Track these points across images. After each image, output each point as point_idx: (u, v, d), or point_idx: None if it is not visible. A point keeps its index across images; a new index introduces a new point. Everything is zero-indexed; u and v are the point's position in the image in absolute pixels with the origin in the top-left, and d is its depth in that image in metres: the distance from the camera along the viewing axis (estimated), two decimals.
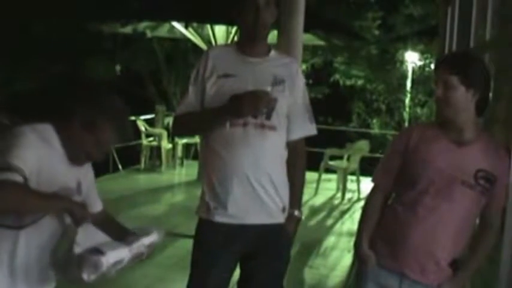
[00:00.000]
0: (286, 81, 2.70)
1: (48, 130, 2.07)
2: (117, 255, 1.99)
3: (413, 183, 2.43)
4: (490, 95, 3.18)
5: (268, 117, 2.63)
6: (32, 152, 1.97)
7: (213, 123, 2.64)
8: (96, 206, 2.32)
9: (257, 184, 2.62)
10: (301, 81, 2.81)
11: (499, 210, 2.48)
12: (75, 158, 2.12)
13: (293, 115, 2.74)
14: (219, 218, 2.66)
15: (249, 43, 2.70)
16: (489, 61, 3.69)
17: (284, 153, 2.73)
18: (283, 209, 2.73)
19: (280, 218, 2.72)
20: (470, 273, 2.56)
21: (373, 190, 2.63)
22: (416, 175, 2.43)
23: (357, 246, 2.59)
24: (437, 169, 2.39)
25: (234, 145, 2.59)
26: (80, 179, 2.19)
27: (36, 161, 1.97)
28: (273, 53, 2.76)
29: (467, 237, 2.50)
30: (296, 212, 2.79)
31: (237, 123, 2.58)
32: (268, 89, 2.57)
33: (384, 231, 2.53)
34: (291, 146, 2.76)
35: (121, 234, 2.16)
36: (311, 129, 2.83)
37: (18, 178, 1.89)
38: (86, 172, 2.24)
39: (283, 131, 2.71)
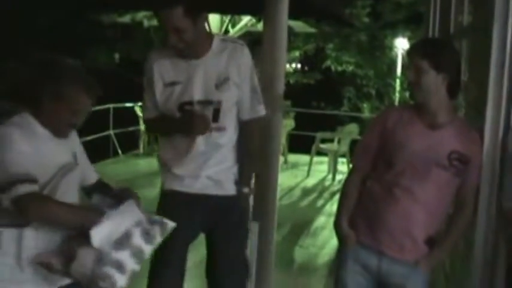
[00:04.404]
0: (231, 76, 2.71)
1: (26, 118, 2.08)
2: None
3: (391, 165, 2.49)
4: (465, 78, 3.38)
5: (216, 119, 2.70)
6: (25, 149, 2.00)
7: (171, 132, 2.79)
8: (92, 177, 2.37)
9: (206, 168, 2.77)
10: (246, 62, 2.76)
11: (473, 190, 2.53)
12: (60, 132, 2.14)
13: (241, 98, 2.79)
14: (176, 187, 2.79)
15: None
16: (466, 46, 3.86)
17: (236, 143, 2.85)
18: (236, 182, 2.85)
19: (232, 191, 2.85)
20: (446, 250, 2.62)
21: (351, 171, 2.71)
22: (393, 157, 2.49)
23: (337, 225, 2.65)
24: (413, 152, 2.45)
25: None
26: (74, 148, 2.25)
27: (32, 154, 2.01)
28: (214, 46, 2.71)
29: (442, 215, 2.57)
30: (245, 189, 2.89)
31: None
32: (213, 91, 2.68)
33: (362, 211, 2.59)
34: (241, 127, 2.85)
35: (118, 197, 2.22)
36: (259, 111, 2.87)
37: (34, 187, 1.96)
38: (74, 139, 2.28)
39: (234, 127, 2.82)
